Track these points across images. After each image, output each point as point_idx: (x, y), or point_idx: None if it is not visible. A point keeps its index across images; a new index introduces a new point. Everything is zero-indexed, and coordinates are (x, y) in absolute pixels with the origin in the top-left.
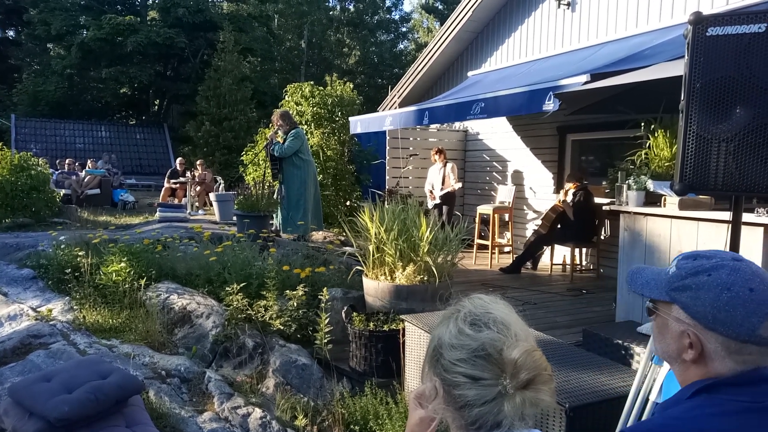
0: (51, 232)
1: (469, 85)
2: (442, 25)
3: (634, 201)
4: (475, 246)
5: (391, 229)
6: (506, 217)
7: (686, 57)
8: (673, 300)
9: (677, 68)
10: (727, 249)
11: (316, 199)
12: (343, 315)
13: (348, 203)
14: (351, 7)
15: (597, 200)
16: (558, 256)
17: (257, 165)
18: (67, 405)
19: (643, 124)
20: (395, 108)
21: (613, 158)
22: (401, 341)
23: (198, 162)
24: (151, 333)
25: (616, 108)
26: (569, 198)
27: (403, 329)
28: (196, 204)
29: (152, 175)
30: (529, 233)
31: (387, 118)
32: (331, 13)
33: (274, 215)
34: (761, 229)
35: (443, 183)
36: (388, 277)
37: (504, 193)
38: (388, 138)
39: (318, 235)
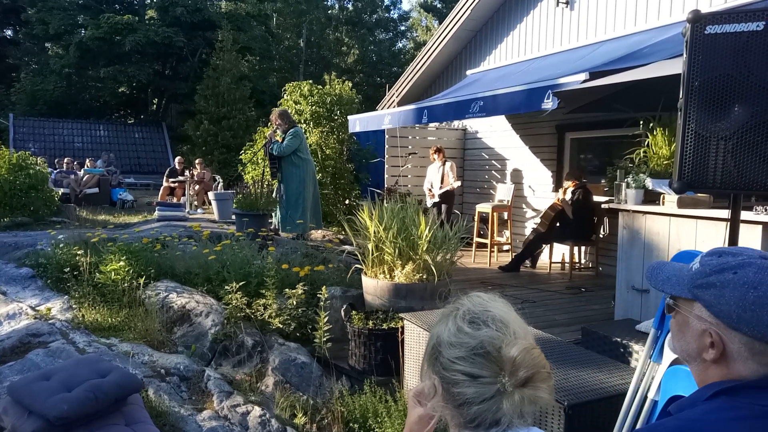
0: (50, 231)
1: (468, 84)
2: (440, 23)
3: (632, 199)
4: (474, 244)
5: (390, 228)
6: (505, 215)
7: (685, 55)
8: (695, 297)
9: (676, 66)
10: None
11: (315, 197)
12: (342, 313)
13: (347, 202)
14: (350, 6)
15: (596, 198)
16: (557, 255)
17: (256, 164)
18: (67, 404)
19: (641, 122)
20: (394, 107)
21: (612, 156)
22: (400, 339)
23: (197, 161)
24: (150, 331)
25: (615, 106)
26: (568, 196)
27: (402, 327)
28: (195, 203)
29: (151, 174)
30: (528, 231)
31: (386, 116)
32: (329, 11)
33: (273, 214)
34: (760, 227)
35: (442, 181)
36: (387, 276)
37: (503, 192)
38: (386, 136)
39: (317, 234)
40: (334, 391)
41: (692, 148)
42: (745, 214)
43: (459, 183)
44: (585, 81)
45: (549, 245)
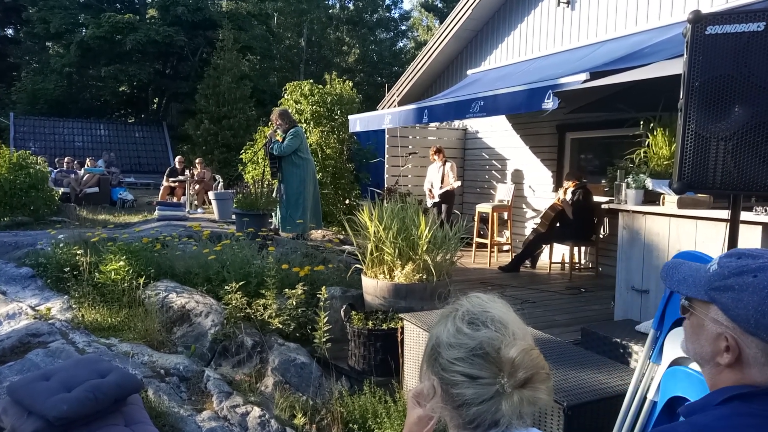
0: (50, 230)
1: (469, 84)
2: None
3: (632, 199)
4: (474, 244)
5: (390, 228)
6: (505, 215)
7: (685, 55)
8: (712, 300)
9: (676, 67)
10: (726, 247)
11: (315, 197)
12: (342, 314)
13: (347, 202)
14: (350, 5)
15: (596, 199)
16: (557, 255)
17: (256, 163)
18: (66, 404)
19: (642, 122)
20: (394, 106)
21: (612, 156)
22: (400, 340)
23: (197, 160)
24: (150, 332)
25: (616, 106)
26: (568, 196)
27: (402, 328)
28: (195, 202)
29: (151, 174)
30: (528, 232)
31: (386, 116)
32: (330, 11)
33: (273, 214)
34: (760, 227)
35: (442, 181)
36: (387, 276)
37: (503, 192)
38: (387, 136)
39: (317, 234)
40: (334, 391)
41: (692, 148)
42: (745, 215)
43: (459, 183)
44: (585, 81)
45: (549, 245)
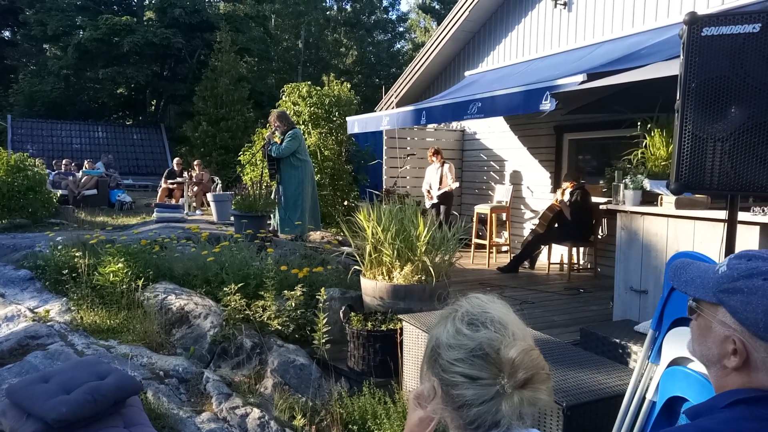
0: (48, 232)
1: (466, 85)
2: (439, 25)
3: (630, 200)
4: (472, 245)
5: (389, 229)
6: (504, 216)
7: (681, 57)
8: (720, 302)
9: (673, 68)
10: (723, 248)
11: (313, 199)
12: (341, 315)
13: (345, 203)
14: (348, 7)
15: (594, 199)
16: (555, 256)
17: (254, 165)
18: (65, 406)
19: (639, 123)
20: (392, 108)
21: (610, 157)
22: (399, 341)
23: (195, 162)
24: (148, 333)
25: (613, 107)
26: (566, 197)
27: (401, 329)
28: (194, 204)
29: (149, 176)
30: (526, 232)
31: (384, 118)
32: (328, 13)
33: (272, 215)
34: (757, 227)
35: (441, 183)
36: (386, 277)
37: (501, 193)
38: (385, 138)
39: (316, 235)
40: (333, 392)
41: (689, 149)
42: (742, 215)
43: (457, 184)
44: (583, 82)
45: (547, 246)
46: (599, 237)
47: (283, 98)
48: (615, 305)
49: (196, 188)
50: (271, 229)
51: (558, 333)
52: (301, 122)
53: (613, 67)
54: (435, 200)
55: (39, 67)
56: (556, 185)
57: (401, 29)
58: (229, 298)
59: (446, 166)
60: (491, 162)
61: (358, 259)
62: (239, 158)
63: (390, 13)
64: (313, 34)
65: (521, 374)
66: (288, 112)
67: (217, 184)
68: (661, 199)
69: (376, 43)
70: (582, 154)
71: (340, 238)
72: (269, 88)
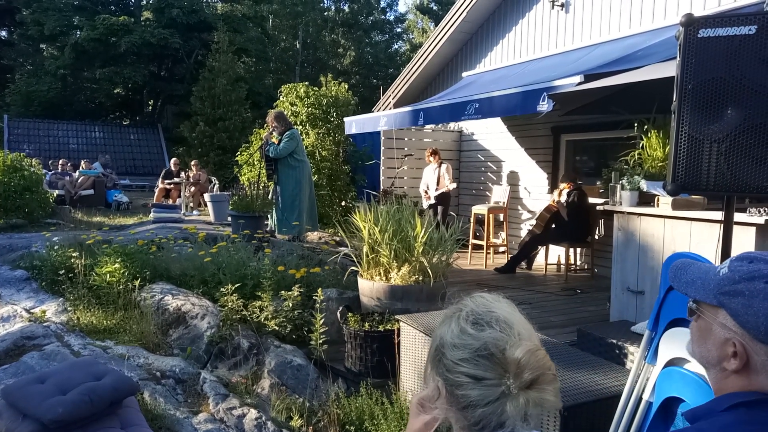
0: (44, 233)
1: (464, 86)
2: (436, 25)
3: (627, 201)
4: (470, 246)
5: (386, 230)
6: (501, 217)
7: (678, 58)
8: (720, 304)
9: (669, 69)
10: (720, 249)
11: (311, 199)
12: (339, 315)
13: (343, 204)
14: (346, 8)
15: (591, 200)
16: (552, 256)
17: (252, 165)
18: (62, 407)
19: (636, 124)
20: (390, 108)
21: (607, 158)
22: (396, 341)
23: (192, 162)
24: (145, 334)
25: (610, 108)
26: (563, 198)
27: (398, 329)
28: (191, 204)
29: (146, 176)
30: (523, 233)
31: (382, 118)
32: (325, 13)
33: (269, 216)
34: (753, 228)
35: (438, 183)
36: (383, 278)
37: (499, 194)
38: (382, 138)
39: (313, 236)
40: (330, 393)
41: (686, 150)
42: (738, 216)
43: (455, 185)
44: (580, 83)
45: (545, 247)
46: (596, 238)
47: (281, 99)
48: (612, 306)
49: (193, 188)
50: (268, 229)
51: (555, 333)
52: (298, 123)
53: (610, 68)
54: (432, 201)
55: (36, 66)
56: (553, 186)
57: (399, 30)
58: (226, 298)
59: (444, 166)
60: (488, 163)
61: (355, 259)
62: (236, 158)
63: (388, 14)
64: (311, 34)
65: (527, 375)
66: (285, 113)
67: (214, 185)
68: (658, 199)
69: (374, 43)
70: (579, 155)
71: (338, 239)
72: (267, 88)
